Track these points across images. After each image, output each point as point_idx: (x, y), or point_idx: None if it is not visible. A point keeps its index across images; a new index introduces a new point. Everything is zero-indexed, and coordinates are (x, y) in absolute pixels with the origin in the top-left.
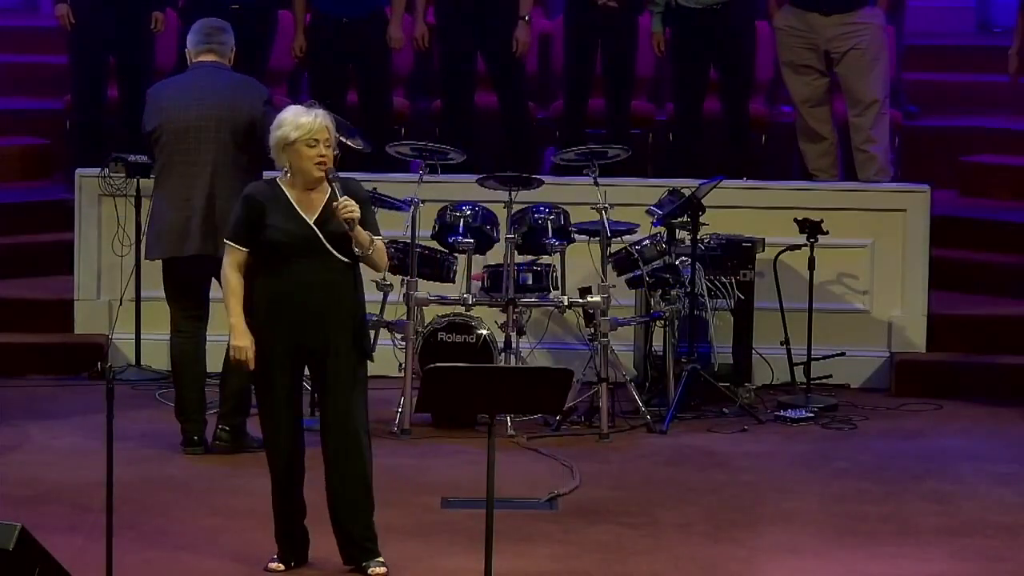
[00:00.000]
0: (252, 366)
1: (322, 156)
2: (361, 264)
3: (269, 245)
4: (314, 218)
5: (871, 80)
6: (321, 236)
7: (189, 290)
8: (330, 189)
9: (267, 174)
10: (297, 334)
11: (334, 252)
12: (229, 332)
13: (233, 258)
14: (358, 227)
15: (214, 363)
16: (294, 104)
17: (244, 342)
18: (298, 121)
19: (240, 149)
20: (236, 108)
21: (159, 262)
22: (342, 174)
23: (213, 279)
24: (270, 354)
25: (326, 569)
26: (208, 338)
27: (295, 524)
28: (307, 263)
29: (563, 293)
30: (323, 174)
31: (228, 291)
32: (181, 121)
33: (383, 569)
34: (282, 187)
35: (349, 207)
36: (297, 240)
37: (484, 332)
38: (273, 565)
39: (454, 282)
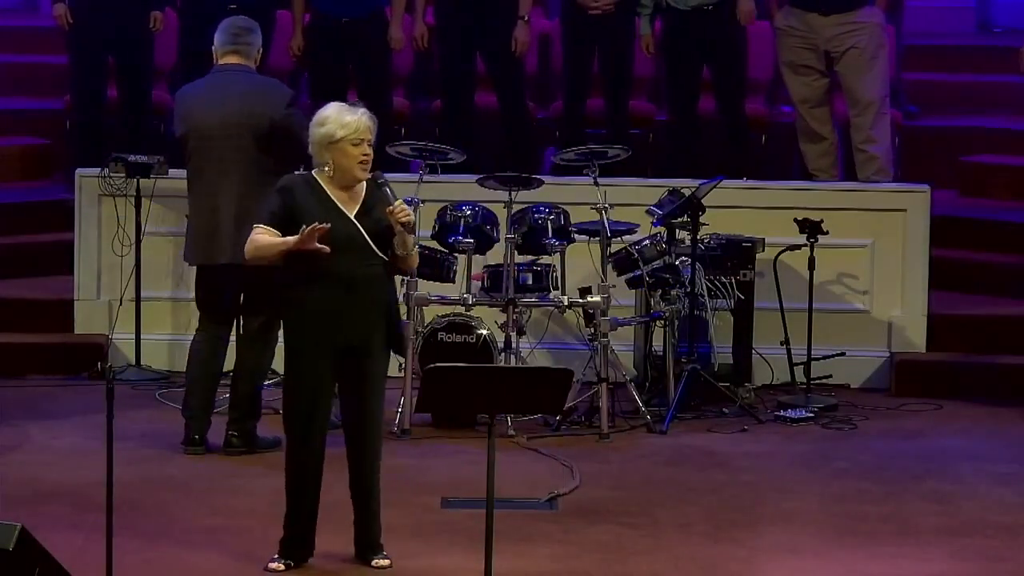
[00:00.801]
0: (323, 229)
1: (366, 155)
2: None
3: None
4: (354, 213)
5: (870, 80)
6: (364, 231)
7: (217, 296)
8: (366, 186)
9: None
10: (336, 331)
11: (375, 248)
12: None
13: (260, 231)
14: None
15: (227, 362)
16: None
17: (299, 237)
18: (343, 119)
19: (264, 152)
20: (257, 112)
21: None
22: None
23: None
24: (307, 351)
25: (326, 569)
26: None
27: (307, 526)
28: (346, 259)
29: (563, 293)
30: (367, 173)
31: (259, 244)
32: (205, 128)
33: (387, 561)
34: (320, 182)
35: (406, 210)
36: (339, 235)
37: (484, 332)
38: (273, 565)
39: (454, 282)
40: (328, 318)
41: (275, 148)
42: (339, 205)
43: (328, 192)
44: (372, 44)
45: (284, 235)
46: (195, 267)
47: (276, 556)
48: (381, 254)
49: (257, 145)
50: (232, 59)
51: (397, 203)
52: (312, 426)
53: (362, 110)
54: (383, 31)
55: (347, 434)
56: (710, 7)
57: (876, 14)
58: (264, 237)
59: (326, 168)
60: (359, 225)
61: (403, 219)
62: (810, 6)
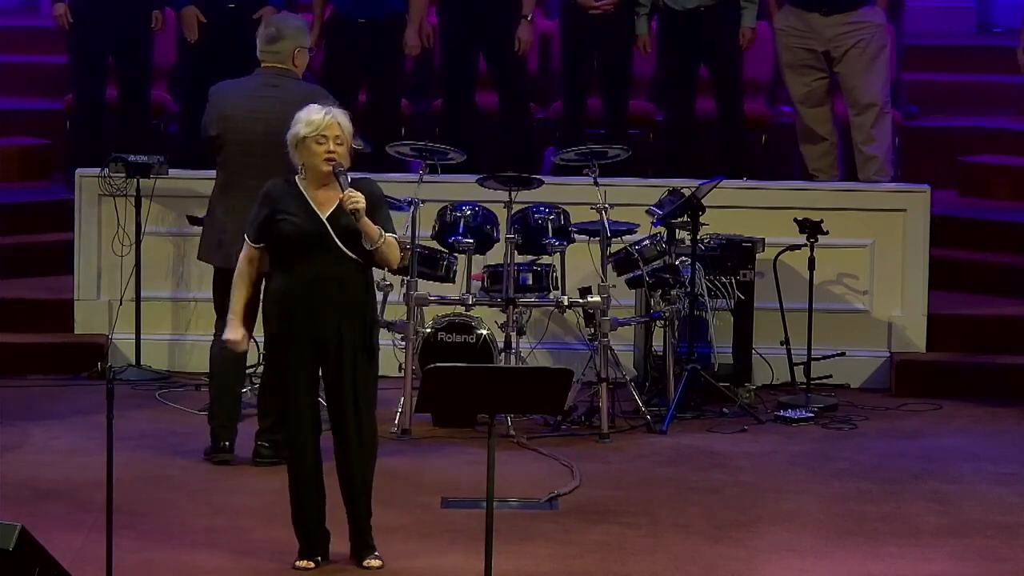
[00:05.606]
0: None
1: (330, 152)
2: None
3: (281, 238)
4: (327, 214)
5: (871, 80)
6: (331, 231)
7: None
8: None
9: None
10: (307, 327)
11: (343, 248)
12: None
13: (246, 252)
14: (365, 219)
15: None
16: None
17: (236, 336)
18: (309, 118)
19: None
20: None
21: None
22: (354, 174)
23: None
24: (284, 347)
25: (325, 568)
26: None
27: (310, 522)
28: (318, 258)
29: (563, 293)
30: (331, 169)
31: (236, 282)
32: (248, 133)
33: (378, 562)
34: (299, 184)
35: (354, 197)
36: (308, 234)
37: (484, 332)
38: (301, 563)
39: (454, 282)
40: (298, 315)
41: None
42: (313, 205)
43: (305, 193)
44: (387, 46)
45: (264, 239)
46: (213, 268)
47: (300, 553)
48: (355, 255)
49: None
50: (270, 64)
51: (347, 191)
52: (297, 418)
53: (332, 109)
54: (399, 34)
55: (332, 431)
56: (704, 8)
57: (877, 14)
58: (239, 283)
59: (301, 168)
60: (328, 225)
61: (351, 206)
62: (810, 6)
